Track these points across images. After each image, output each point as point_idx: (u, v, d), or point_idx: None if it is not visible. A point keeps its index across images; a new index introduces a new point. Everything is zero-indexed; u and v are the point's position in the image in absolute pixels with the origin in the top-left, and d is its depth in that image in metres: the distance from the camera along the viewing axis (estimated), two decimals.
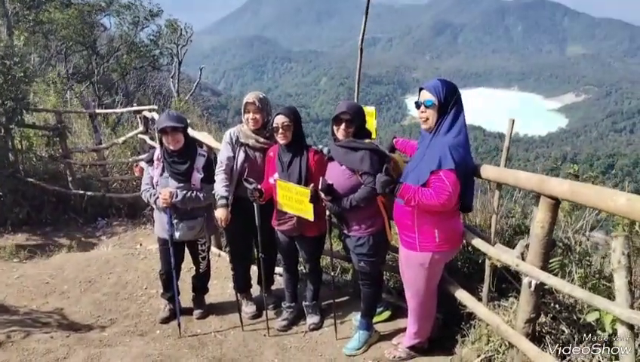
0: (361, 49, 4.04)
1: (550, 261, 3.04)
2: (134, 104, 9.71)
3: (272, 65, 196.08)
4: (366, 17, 3.90)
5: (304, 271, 4.09)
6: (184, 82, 22.20)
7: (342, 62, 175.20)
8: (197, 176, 3.88)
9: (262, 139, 3.92)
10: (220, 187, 3.87)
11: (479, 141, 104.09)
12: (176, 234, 3.97)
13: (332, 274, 3.95)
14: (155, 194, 3.93)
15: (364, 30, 3.95)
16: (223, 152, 3.98)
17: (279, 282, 4.52)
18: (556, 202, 2.47)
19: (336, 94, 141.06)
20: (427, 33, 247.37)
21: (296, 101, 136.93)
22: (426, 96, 3.04)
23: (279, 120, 3.58)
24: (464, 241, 3.34)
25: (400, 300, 3.89)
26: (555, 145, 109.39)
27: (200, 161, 3.94)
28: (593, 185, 2.45)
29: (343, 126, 3.40)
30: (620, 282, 2.11)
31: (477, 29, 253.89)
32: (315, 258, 3.97)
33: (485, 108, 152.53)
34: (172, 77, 16.68)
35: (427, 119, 3.02)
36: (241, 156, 3.93)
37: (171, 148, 3.78)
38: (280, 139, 3.62)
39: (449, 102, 2.98)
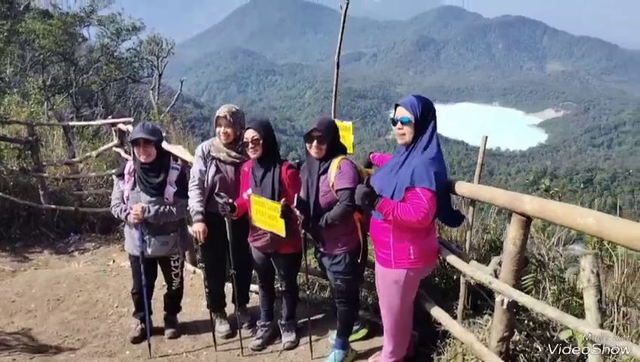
0: (338, 64, 4.00)
1: (524, 278, 3.02)
2: (110, 117, 9.57)
3: (256, 77, 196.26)
4: (342, 34, 3.87)
5: (280, 288, 4.00)
6: (165, 95, 22.04)
7: (327, 75, 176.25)
8: (170, 190, 3.79)
9: (233, 153, 3.86)
10: (194, 202, 3.79)
11: (462, 155, 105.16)
12: (148, 251, 3.86)
13: (308, 292, 3.88)
14: (126, 210, 3.82)
15: (340, 46, 3.91)
16: (195, 166, 3.91)
17: (255, 300, 4.43)
18: (528, 219, 2.45)
19: (321, 107, 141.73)
20: (411, 48, 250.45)
21: (281, 114, 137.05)
22: (403, 113, 3.02)
23: (249, 134, 3.53)
24: (440, 258, 3.32)
25: (377, 317, 3.82)
26: (536, 160, 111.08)
27: (173, 175, 3.85)
28: (563, 203, 2.43)
29: (314, 143, 3.35)
30: (589, 301, 2.11)
31: (459, 45, 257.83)
32: (290, 275, 3.89)
33: (468, 122, 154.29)
34: (152, 89, 16.55)
35: (404, 135, 3.01)
36: (212, 170, 3.86)
37: (142, 160, 3.69)
38: (250, 153, 3.57)
39: (426, 119, 2.98)
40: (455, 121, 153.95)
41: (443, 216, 3.12)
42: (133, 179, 3.80)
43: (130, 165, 3.86)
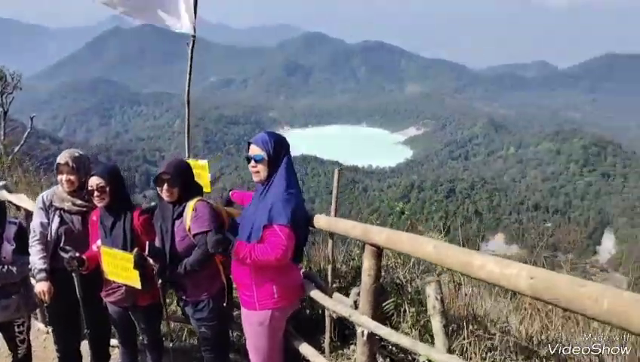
0: (188, 101, 3.90)
1: (385, 303, 3.13)
2: None
3: (120, 108, 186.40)
4: (190, 73, 3.78)
5: (143, 341, 3.73)
6: (18, 131, 20.09)
7: (196, 103, 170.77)
8: (7, 248, 3.40)
9: (79, 202, 3.55)
10: (36, 259, 3.43)
11: None
12: None
13: (172, 344, 3.66)
14: None
15: (189, 83, 3.81)
16: (36, 219, 3.55)
17: (118, 356, 4.08)
18: (379, 249, 2.54)
19: (191, 136, 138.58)
20: (280, 74, 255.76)
21: (150, 145, 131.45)
22: (255, 150, 3.01)
23: (93, 182, 3.28)
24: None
25: (247, 360, 3.71)
26: (404, 175, 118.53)
27: (10, 230, 3.46)
28: (408, 233, 2.55)
29: (165, 186, 3.19)
30: (436, 327, 2.22)
31: (325, 70, 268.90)
32: (152, 327, 3.64)
33: (339, 143, 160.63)
34: None
35: (258, 172, 2.99)
36: (55, 222, 3.51)
37: None
38: (96, 201, 3.31)
39: (279, 155, 2.99)
40: (328, 142, 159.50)
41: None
42: None
43: None
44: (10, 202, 5.00)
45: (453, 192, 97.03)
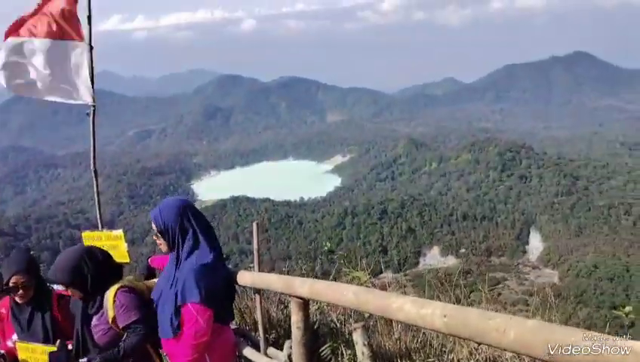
0: (95, 172, 3.76)
1: (322, 349, 3.12)
2: None
3: (34, 174, 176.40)
4: (94, 147, 3.67)
5: None
6: None
7: (116, 159, 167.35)
8: None
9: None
10: None
11: (270, 212, 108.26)
12: None
13: None
14: None
15: (94, 152, 3.69)
16: None
17: None
18: (305, 301, 2.54)
19: (114, 193, 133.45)
20: (199, 119, 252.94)
21: (71, 208, 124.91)
22: (152, 224, 2.95)
23: (17, 280, 3.02)
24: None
25: None
26: (337, 203, 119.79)
27: None
28: (329, 282, 2.58)
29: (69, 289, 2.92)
30: None
31: (245, 109, 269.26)
32: None
33: (269, 180, 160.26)
34: None
35: (161, 245, 2.91)
36: None
37: None
38: (19, 299, 3.07)
39: (174, 226, 2.87)
40: (258, 180, 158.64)
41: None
42: None
43: None
44: None
45: (385, 213, 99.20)
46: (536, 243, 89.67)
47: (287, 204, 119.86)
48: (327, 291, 2.31)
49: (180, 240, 2.85)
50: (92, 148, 3.72)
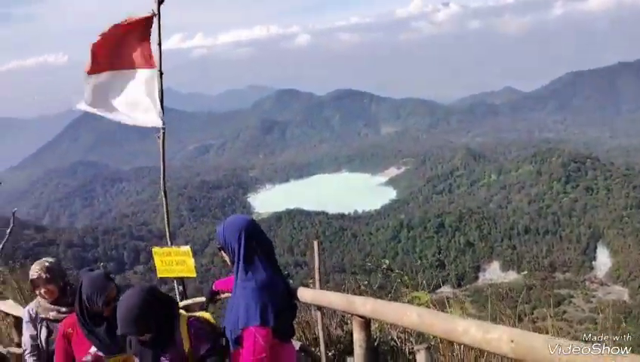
0: (165, 193, 3.98)
1: None
2: None
3: (101, 188, 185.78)
4: (164, 163, 3.88)
5: None
6: (1, 224, 19.89)
7: (177, 173, 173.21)
8: None
9: (64, 309, 3.50)
10: None
11: (324, 225, 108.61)
12: None
13: None
14: None
15: (164, 175, 3.90)
16: (25, 333, 3.53)
17: None
18: (367, 320, 2.57)
19: (176, 206, 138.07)
20: (256, 133, 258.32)
21: (135, 220, 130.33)
22: (217, 240, 3.07)
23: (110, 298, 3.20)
24: None
25: None
26: (391, 216, 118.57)
27: None
28: (393, 302, 2.61)
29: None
30: None
31: (301, 123, 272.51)
32: None
33: (324, 193, 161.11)
34: None
35: (225, 261, 3.02)
36: (43, 333, 3.49)
37: None
38: (107, 312, 3.19)
39: (233, 244, 2.93)
40: (312, 193, 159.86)
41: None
42: None
43: None
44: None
45: (442, 226, 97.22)
46: (604, 259, 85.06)
47: (342, 216, 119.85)
48: (389, 311, 2.33)
49: (238, 258, 2.91)
50: (162, 170, 3.93)
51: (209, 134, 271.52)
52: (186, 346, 2.79)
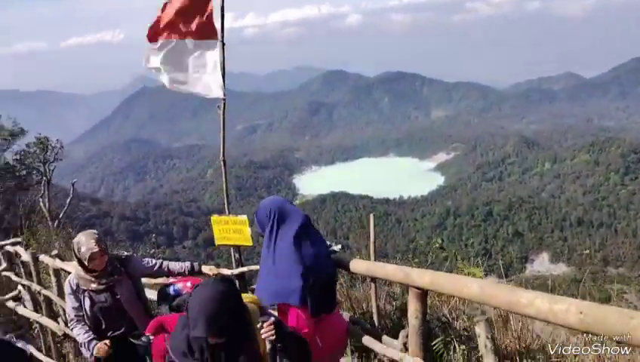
0: (224, 162, 4.08)
1: (434, 342, 3.14)
2: None
3: (153, 164, 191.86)
4: (224, 136, 3.97)
5: None
6: (60, 195, 20.95)
7: (226, 152, 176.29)
8: None
9: (104, 280, 3.64)
10: (82, 335, 3.60)
11: (368, 209, 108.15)
12: None
13: None
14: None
15: (223, 144, 4.00)
16: (69, 304, 3.70)
17: None
18: (423, 291, 2.58)
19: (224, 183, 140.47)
20: (303, 114, 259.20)
21: (184, 197, 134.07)
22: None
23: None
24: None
25: None
26: (438, 202, 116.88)
27: None
28: (451, 274, 2.60)
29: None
30: None
31: (348, 105, 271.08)
32: None
33: (369, 176, 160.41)
34: (41, 196, 15.72)
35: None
36: (87, 303, 3.64)
37: None
38: None
39: (264, 223, 3.10)
40: (357, 177, 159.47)
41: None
42: None
43: None
44: (63, 270, 5.23)
45: (490, 215, 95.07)
46: None
47: (386, 201, 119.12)
48: (448, 283, 2.33)
49: (269, 236, 3.04)
50: (222, 139, 4.03)
51: (257, 114, 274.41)
52: (262, 347, 2.35)
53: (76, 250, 3.56)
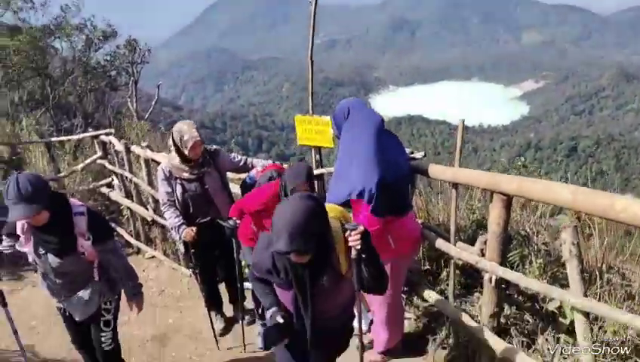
0: (312, 60, 4.06)
1: (510, 254, 3.14)
2: (91, 129, 9.52)
3: (232, 75, 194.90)
4: (313, 32, 3.92)
5: None
6: (144, 100, 21.95)
7: (302, 67, 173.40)
8: (85, 244, 2.84)
9: (196, 171, 3.83)
10: (172, 219, 3.84)
11: (445, 135, 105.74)
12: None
13: None
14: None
15: (312, 45, 3.96)
16: (161, 189, 3.91)
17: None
18: (509, 198, 2.55)
19: (299, 100, 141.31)
20: (384, 32, 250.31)
21: (260, 110, 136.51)
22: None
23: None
24: (427, 242, 3.40)
25: None
26: (519, 133, 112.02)
27: (81, 223, 2.83)
28: (540, 179, 2.53)
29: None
30: (572, 271, 2.20)
31: (434, 24, 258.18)
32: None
33: (449, 101, 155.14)
34: (129, 97, 16.49)
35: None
36: (179, 190, 3.85)
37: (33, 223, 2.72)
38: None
39: (341, 125, 3.14)
40: (436, 101, 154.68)
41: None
42: (32, 238, 2.84)
43: (22, 224, 2.82)
44: (153, 160, 5.58)
45: (574, 151, 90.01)
46: None
47: (465, 128, 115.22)
48: (538, 189, 2.27)
49: (345, 136, 3.12)
50: (311, 35, 3.98)
51: (336, 28, 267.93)
52: (344, 267, 2.21)
53: (177, 139, 3.70)
